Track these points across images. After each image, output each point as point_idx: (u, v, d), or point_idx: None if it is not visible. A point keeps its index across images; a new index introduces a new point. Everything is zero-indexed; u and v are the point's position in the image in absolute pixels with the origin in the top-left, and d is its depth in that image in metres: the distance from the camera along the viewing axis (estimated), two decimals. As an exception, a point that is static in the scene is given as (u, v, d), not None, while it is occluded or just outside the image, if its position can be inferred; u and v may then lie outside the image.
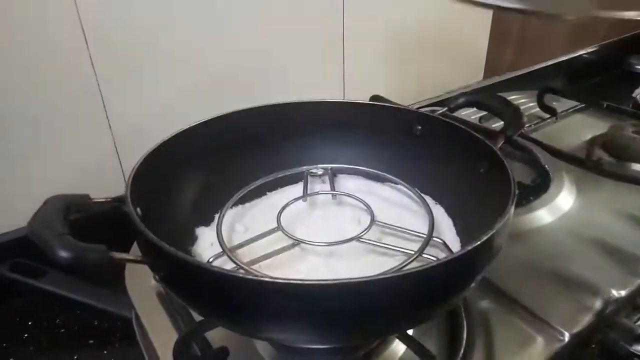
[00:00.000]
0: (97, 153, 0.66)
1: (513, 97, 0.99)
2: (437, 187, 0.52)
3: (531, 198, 0.62)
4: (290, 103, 0.56)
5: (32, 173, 0.63)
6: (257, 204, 0.53)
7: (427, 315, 0.37)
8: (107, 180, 0.67)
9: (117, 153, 0.68)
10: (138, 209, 0.40)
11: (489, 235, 0.32)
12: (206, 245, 0.47)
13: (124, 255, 0.32)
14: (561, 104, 0.92)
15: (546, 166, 0.62)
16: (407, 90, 0.97)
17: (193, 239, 0.48)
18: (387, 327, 0.35)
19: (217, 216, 0.51)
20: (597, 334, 0.48)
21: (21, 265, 0.62)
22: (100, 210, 0.40)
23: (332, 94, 0.84)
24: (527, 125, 0.86)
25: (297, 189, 0.54)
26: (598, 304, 0.48)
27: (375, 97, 0.79)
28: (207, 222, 0.50)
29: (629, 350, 0.46)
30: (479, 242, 0.32)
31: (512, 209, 0.36)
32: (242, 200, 0.53)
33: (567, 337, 0.45)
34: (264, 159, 0.55)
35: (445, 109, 0.53)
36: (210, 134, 0.51)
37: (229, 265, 0.41)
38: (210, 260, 0.42)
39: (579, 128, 0.86)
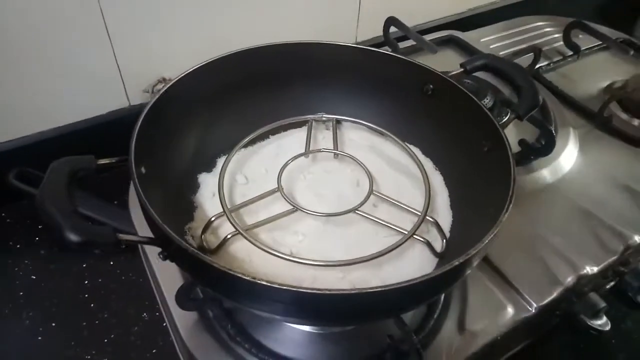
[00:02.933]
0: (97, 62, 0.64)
1: (539, 24, 0.93)
2: (438, 152, 0.52)
3: (532, 157, 0.62)
4: (300, 43, 0.53)
5: (37, 84, 0.62)
6: (259, 149, 0.54)
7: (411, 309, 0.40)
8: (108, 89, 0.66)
9: (117, 61, 0.65)
10: (142, 168, 0.41)
11: (477, 249, 0.34)
12: (208, 195, 0.48)
13: (132, 237, 0.34)
14: (586, 39, 0.86)
15: (552, 129, 0.62)
16: (429, 4, 0.90)
17: (195, 186, 0.50)
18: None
19: (219, 161, 0.52)
20: (562, 304, 0.52)
21: (27, 173, 0.64)
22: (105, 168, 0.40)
23: (346, 6, 0.79)
24: (546, 62, 0.82)
25: (301, 135, 0.54)
26: (570, 280, 0.51)
27: (390, 20, 0.74)
28: (209, 168, 0.51)
29: (586, 324, 0.51)
30: (464, 259, 0.33)
31: (503, 221, 0.36)
32: (245, 144, 0.53)
33: (534, 308, 0.49)
34: (269, 104, 0.53)
35: (461, 70, 0.51)
36: (215, 75, 0.50)
37: (228, 227, 0.43)
38: (212, 219, 0.44)
39: (600, 70, 0.83)
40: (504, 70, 0.49)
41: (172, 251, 0.35)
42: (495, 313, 0.49)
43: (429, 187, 0.47)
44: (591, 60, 0.85)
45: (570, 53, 0.84)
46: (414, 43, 0.76)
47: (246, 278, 0.31)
